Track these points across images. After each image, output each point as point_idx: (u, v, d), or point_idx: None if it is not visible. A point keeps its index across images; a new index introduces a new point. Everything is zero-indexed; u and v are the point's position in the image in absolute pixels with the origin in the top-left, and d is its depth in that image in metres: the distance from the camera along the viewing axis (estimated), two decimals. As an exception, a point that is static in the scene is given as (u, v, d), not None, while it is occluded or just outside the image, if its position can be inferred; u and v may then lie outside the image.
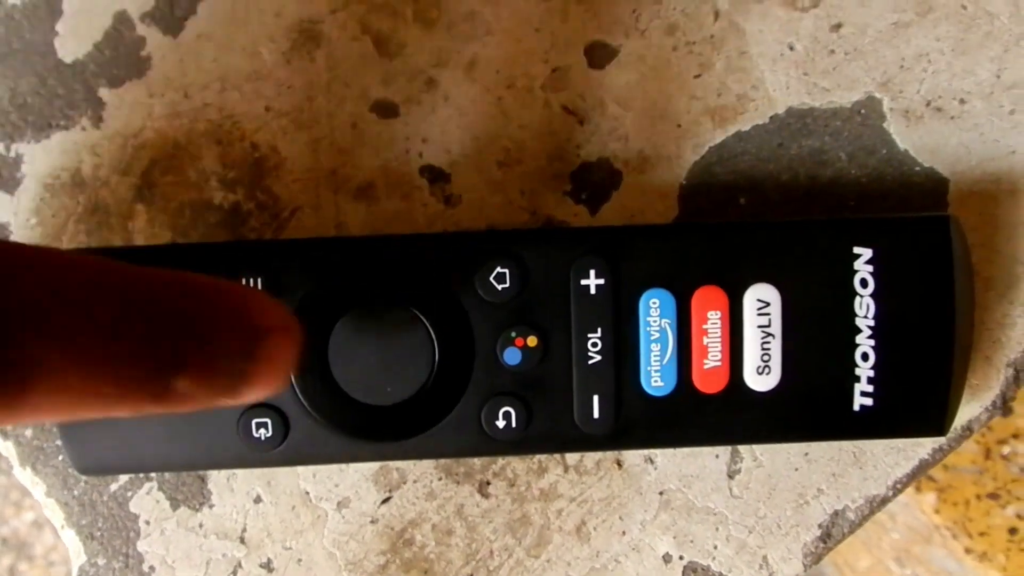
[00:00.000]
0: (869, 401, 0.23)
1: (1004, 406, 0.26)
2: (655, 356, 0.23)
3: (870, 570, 0.68)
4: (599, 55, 0.26)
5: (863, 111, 0.26)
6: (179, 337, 0.15)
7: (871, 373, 0.23)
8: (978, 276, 0.25)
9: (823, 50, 0.26)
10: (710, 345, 0.23)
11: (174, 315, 0.15)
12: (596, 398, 0.23)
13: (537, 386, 0.23)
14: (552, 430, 0.23)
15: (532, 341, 0.23)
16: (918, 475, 0.25)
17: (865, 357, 0.23)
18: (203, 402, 0.16)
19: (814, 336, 0.23)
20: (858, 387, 0.23)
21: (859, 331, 0.23)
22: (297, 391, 0.22)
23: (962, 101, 0.26)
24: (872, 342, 0.23)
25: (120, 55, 0.26)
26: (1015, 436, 0.54)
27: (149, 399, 0.15)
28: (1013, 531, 0.54)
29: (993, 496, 0.54)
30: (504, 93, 0.26)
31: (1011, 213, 0.26)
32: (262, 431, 0.22)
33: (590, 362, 0.23)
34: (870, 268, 0.23)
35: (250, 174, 0.26)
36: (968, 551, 0.55)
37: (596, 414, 0.23)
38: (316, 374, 0.22)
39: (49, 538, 0.82)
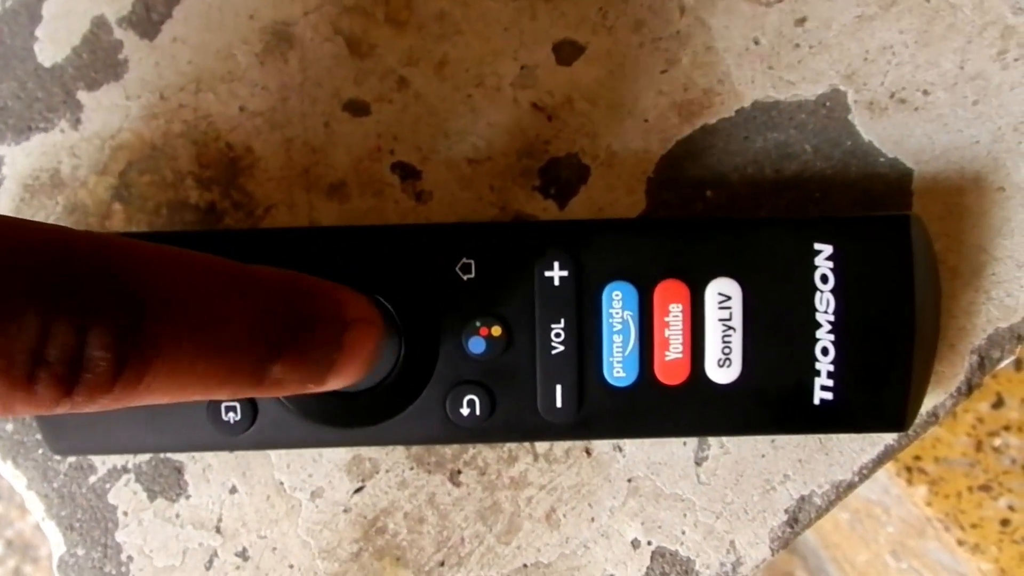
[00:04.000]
0: (829, 395, 0.23)
1: (970, 392, 0.26)
2: (617, 347, 0.23)
3: (868, 564, 0.68)
4: (567, 52, 0.26)
5: (828, 104, 0.26)
6: (279, 327, 0.17)
7: (831, 368, 0.23)
8: (943, 265, 0.26)
9: (788, 44, 0.26)
10: (672, 337, 0.23)
11: (275, 307, 0.17)
12: (559, 388, 0.23)
13: (501, 375, 0.23)
14: (516, 418, 0.23)
15: (497, 331, 0.23)
16: (883, 461, 0.25)
17: (825, 352, 0.23)
18: (293, 388, 0.17)
19: (775, 330, 0.23)
20: (818, 381, 0.23)
21: (819, 326, 0.23)
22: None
23: (926, 92, 0.26)
24: (832, 337, 0.23)
25: (98, 59, 0.27)
26: (1006, 428, 0.54)
27: (248, 383, 0.17)
28: (1005, 523, 0.54)
29: (985, 488, 0.54)
30: (474, 91, 0.26)
31: (975, 202, 0.26)
32: (231, 415, 0.23)
33: (553, 352, 0.23)
34: (830, 264, 0.23)
35: (225, 173, 0.26)
36: (960, 543, 0.55)
37: (559, 403, 0.23)
38: None
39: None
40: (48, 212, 0.26)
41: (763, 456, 0.26)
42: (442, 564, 0.26)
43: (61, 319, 0.14)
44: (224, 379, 0.16)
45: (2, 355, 0.14)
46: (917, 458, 0.54)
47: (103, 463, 0.26)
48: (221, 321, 0.16)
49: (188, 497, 0.26)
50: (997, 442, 0.54)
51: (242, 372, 0.16)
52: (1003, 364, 0.26)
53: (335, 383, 0.18)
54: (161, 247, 0.16)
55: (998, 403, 0.54)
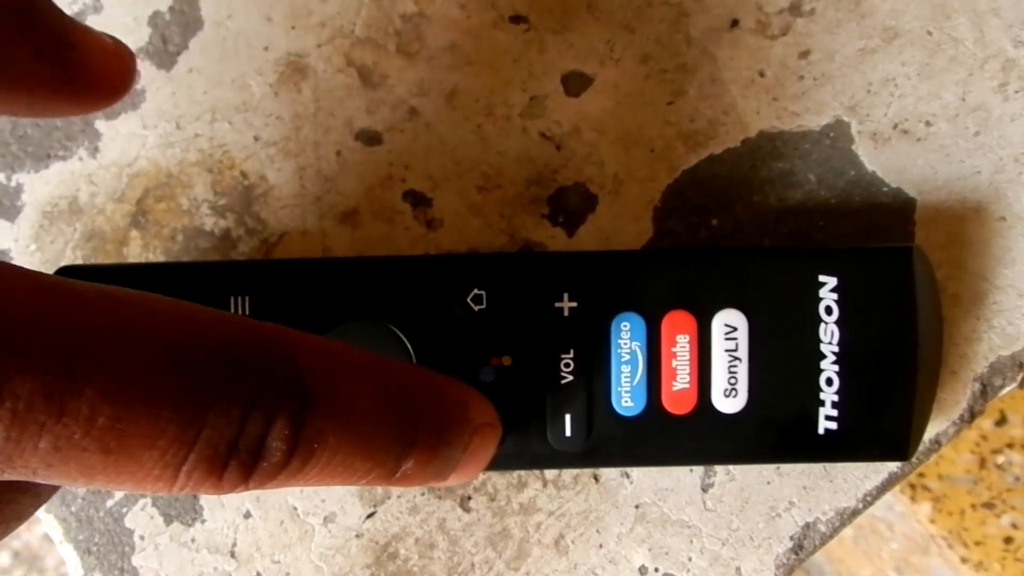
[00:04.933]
0: (833, 425, 0.23)
1: (972, 419, 0.26)
2: (625, 377, 0.23)
3: (871, 579, 0.68)
4: (575, 83, 0.27)
5: (832, 134, 0.27)
6: (417, 423, 0.18)
7: (835, 398, 0.23)
8: (945, 293, 0.26)
9: (792, 76, 0.27)
10: (679, 368, 0.23)
11: (413, 403, 0.18)
12: (568, 417, 0.23)
13: (511, 404, 0.23)
14: (525, 447, 0.23)
15: (507, 361, 0.23)
16: (887, 488, 0.26)
17: (829, 382, 0.23)
18: (417, 484, 0.18)
19: (780, 361, 0.23)
20: (823, 411, 0.23)
21: (824, 357, 0.23)
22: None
23: (928, 123, 0.26)
24: (836, 368, 0.23)
25: (115, 88, 0.27)
26: (1009, 446, 0.55)
27: (382, 476, 0.17)
28: (1008, 540, 0.54)
29: (988, 506, 0.55)
30: (483, 121, 0.27)
31: (976, 231, 0.26)
32: None
33: (562, 382, 0.23)
34: (835, 296, 0.23)
35: (240, 201, 0.27)
36: (964, 560, 0.55)
37: (568, 432, 0.23)
38: None
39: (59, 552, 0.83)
40: (67, 239, 0.27)
41: (768, 483, 0.26)
42: (452, 589, 0.26)
43: (257, 410, 0.15)
44: (365, 470, 0.17)
45: (208, 445, 0.14)
46: (921, 475, 0.54)
47: (118, 486, 0.26)
48: (372, 414, 0.17)
49: (203, 522, 0.26)
50: (1000, 460, 0.54)
51: (381, 464, 0.17)
52: (1005, 391, 0.26)
53: (454, 482, 0.19)
54: (317, 339, 0.17)
55: (1001, 421, 0.54)
